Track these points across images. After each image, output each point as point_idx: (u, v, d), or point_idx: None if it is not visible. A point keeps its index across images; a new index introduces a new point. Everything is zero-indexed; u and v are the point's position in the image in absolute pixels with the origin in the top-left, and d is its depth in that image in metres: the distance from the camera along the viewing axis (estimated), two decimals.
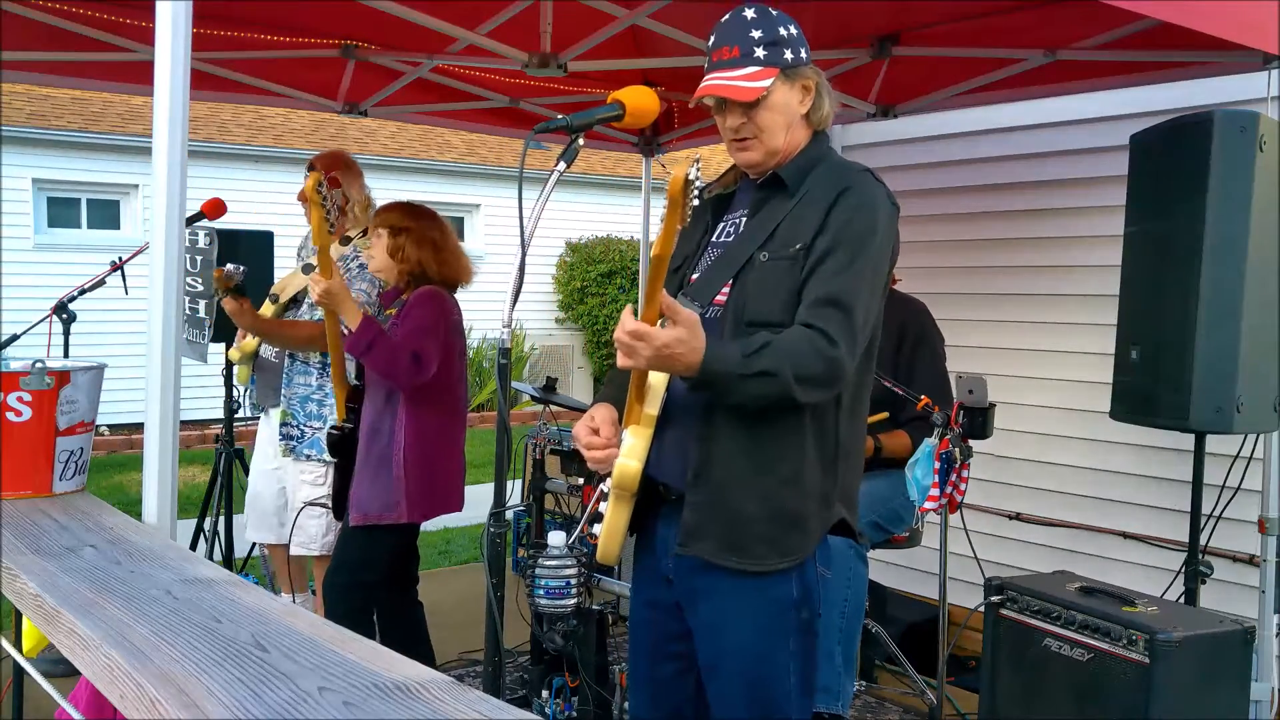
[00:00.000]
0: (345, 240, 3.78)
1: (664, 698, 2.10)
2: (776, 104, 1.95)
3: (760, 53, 1.93)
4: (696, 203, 1.69)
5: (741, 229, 2.02)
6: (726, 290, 1.95)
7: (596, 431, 1.97)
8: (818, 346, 1.79)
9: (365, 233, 3.77)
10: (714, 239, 2.07)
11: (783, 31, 1.96)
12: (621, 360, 1.75)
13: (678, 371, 1.77)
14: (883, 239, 1.92)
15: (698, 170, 1.66)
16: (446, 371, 3.23)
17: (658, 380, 1.92)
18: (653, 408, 1.91)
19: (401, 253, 3.25)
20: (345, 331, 3.15)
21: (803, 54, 1.98)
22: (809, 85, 1.99)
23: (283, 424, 3.71)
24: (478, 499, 3.06)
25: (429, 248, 3.27)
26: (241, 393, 4.07)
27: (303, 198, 3.78)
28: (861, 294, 1.86)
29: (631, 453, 1.90)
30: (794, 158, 2.00)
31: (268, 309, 3.82)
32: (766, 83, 1.92)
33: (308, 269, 3.72)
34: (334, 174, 3.54)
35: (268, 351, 3.85)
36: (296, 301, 3.81)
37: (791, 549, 1.90)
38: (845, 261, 1.85)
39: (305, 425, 3.65)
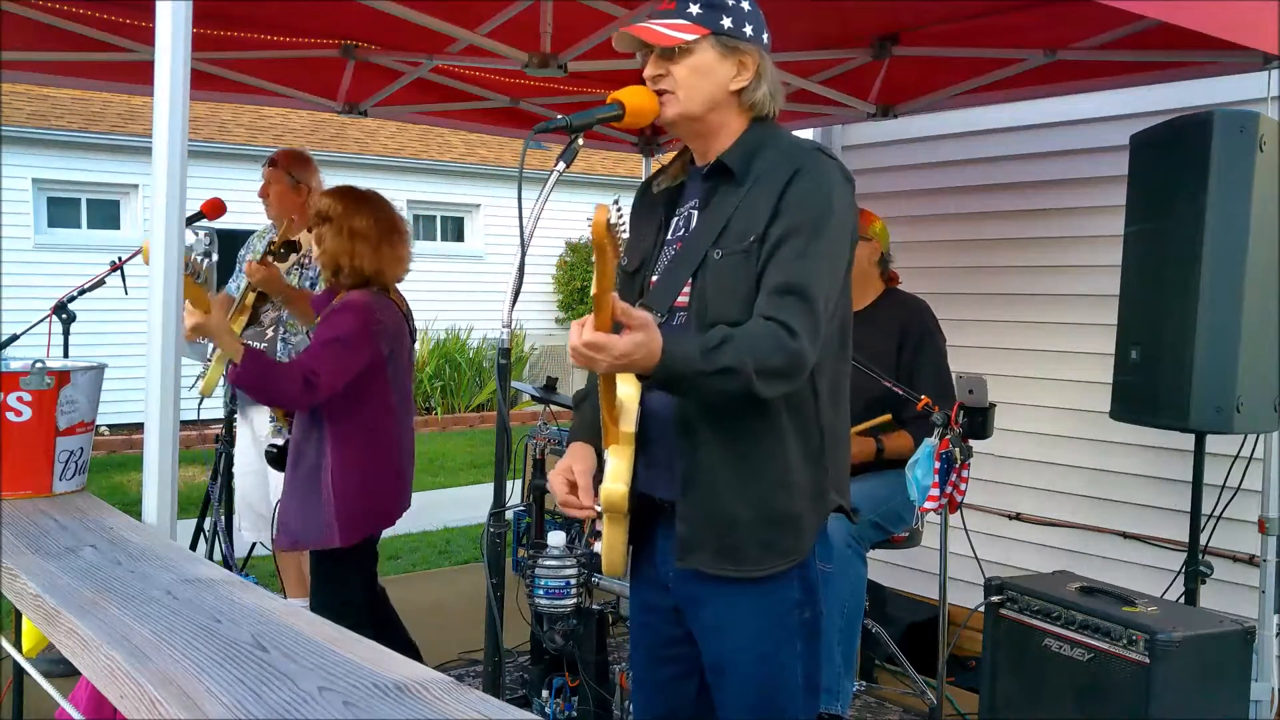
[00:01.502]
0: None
1: (665, 700, 2.10)
2: (700, 65, 1.86)
3: (694, 9, 1.85)
4: (625, 237, 1.65)
5: (694, 223, 1.96)
6: (686, 292, 1.90)
7: (574, 485, 1.94)
8: (779, 340, 1.74)
9: None
10: (669, 235, 2.01)
11: (729, 1, 1.88)
12: (579, 363, 1.71)
13: (637, 373, 1.73)
14: (840, 219, 1.85)
15: (619, 211, 1.63)
16: (371, 388, 3.03)
17: (628, 398, 1.90)
18: (629, 425, 1.89)
19: (322, 244, 3.02)
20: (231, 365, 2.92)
21: (748, 29, 1.88)
22: (747, 62, 1.89)
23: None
24: (478, 499, 3.06)
25: (346, 238, 3.02)
26: (225, 391, 4.06)
27: (263, 193, 3.85)
28: (821, 279, 1.80)
29: (616, 475, 1.88)
30: (736, 143, 1.91)
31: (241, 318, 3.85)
32: (689, 36, 1.83)
33: (283, 256, 3.76)
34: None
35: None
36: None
37: (788, 550, 1.88)
38: (801, 247, 1.79)
39: None
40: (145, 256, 2.79)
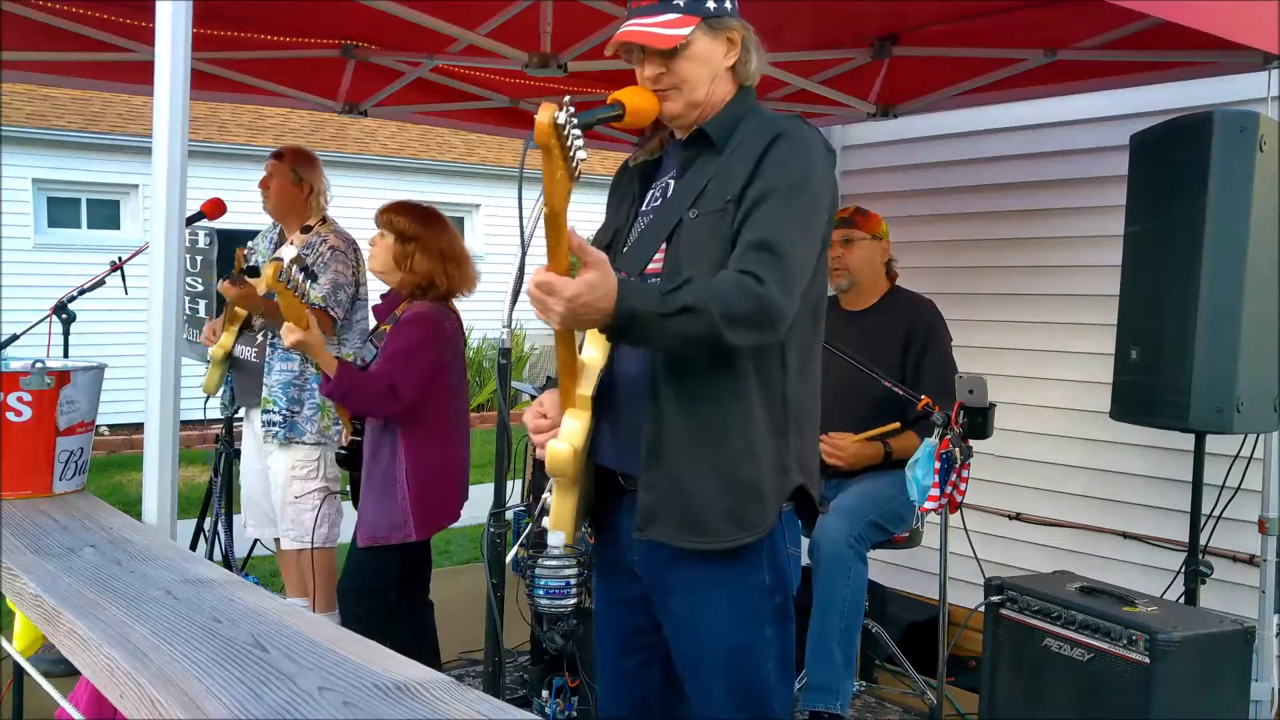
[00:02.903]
0: (306, 229, 3.82)
1: (630, 689, 2.08)
2: (698, 54, 1.86)
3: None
4: (582, 153, 1.58)
5: (671, 191, 1.95)
6: (660, 256, 1.88)
7: (545, 416, 1.95)
8: (745, 286, 1.71)
9: (325, 220, 3.85)
10: (643, 207, 2.00)
11: None
12: (537, 313, 1.67)
13: (596, 322, 1.68)
14: (818, 185, 1.84)
15: (569, 111, 1.54)
16: (436, 391, 3.22)
17: (591, 360, 1.87)
18: (586, 389, 1.85)
19: (410, 262, 3.20)
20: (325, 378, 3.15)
21: (727, 3, 1.89)
22: (734, 38, 1.90)
23: (264, 411, 3.71)
24: (478, 499, 3.07)
25: (438, 259, 3.22)
26: (223, 395, 4.06)
27: (264, 185, 3.82)
28: (795, 239, 1.78)
29: (565, 435, 1.84)
30: (719, 112, 1.91)
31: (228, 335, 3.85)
32: (685, 31, 1.83)
33: (267, 271, 3.75)
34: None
35: (245, 352, 3.85)
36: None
37: (750, 521, 1.83)
38: (777, 207, 1.78)
39: (288, 410, 3.65)
40: (266, 282, 2.92)
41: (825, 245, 1.91)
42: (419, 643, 3.33)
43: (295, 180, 3.81)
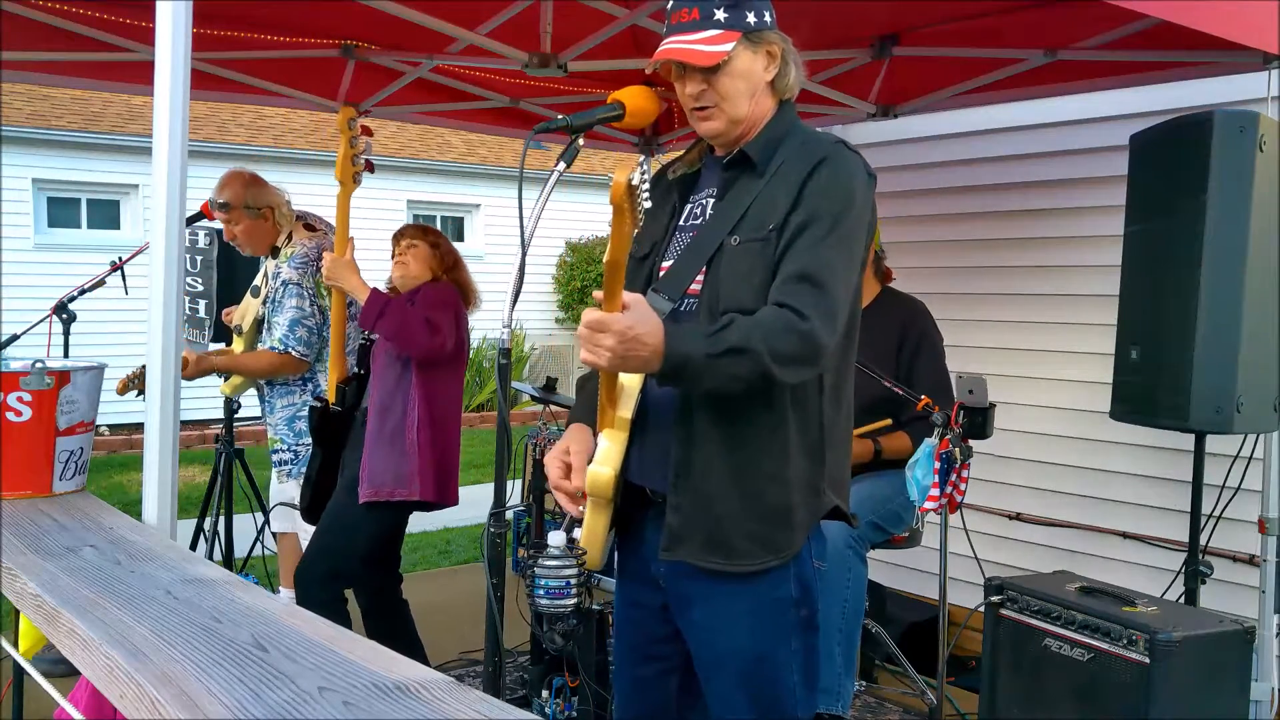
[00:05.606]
0: (275, 251, 3.74)
1: (647, 696, 2.08)
2: (739, 70, 1.85)
3: (721, 15, 1.83)
4: (648, 204, 1.63)
5: (710, 211, 1.94)
6: (699, 280, 1.87)
7: (569, 468, 1.92)
8: (789, 322, 1.70)
9: (290, 237, 3.76)
10: (681, 222, 1.98)
11: None
12: (586, 357, 1.67)
13: (646, 361, 1.66)
14: (859, 211, 1.84)
15: (644, 173, 1.60)
16: (456, 357, 3.32)
17: (630, 381, 1.88)
18: (626, 410, 1.87)
19: (455, 266, 3.43)
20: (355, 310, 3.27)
21: (766, 17, 1.88)
22: (774, 51, 1.90)
23: (273, 450, 3.69)
24: (478, 499, 3.07)
25: (462, 264, 3.51)
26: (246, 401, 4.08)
27: (230, 236, 3.73)
28: (837, 269, 1.78)
29: (605, 459, 1.85)
30: (760, 131, 1.91)
31: (238, 343, 3.83)
32: (728, 47, 1.82)
33: (255, 291, 3.72)
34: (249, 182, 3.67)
35: None
36: (258, 325, 3.80)
37: (779, 545, 1.83)
38: (819, 236, 1.77)
39: (297, 446, 3.64)
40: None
41: (863, 268, 1.91)
42: (403, 642, 3.33)
43: (256, 215, 3.68)
